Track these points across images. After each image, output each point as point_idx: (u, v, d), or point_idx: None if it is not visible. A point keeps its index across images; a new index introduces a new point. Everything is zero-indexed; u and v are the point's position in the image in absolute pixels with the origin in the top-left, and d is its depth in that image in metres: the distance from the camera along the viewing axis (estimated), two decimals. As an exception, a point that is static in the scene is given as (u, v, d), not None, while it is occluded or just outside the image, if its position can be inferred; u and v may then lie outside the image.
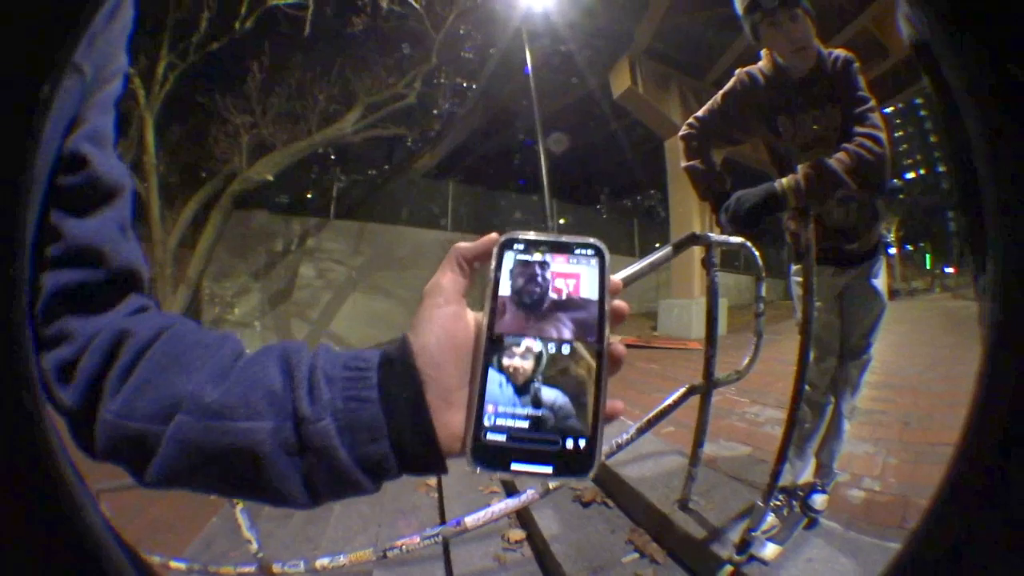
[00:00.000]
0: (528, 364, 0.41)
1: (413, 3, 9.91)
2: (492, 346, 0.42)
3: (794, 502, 2.14)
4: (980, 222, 0.27)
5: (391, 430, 0.40)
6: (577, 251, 0.44)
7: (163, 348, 0.44)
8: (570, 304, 0.43)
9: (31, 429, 0.28)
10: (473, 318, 0.45)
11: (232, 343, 0.47)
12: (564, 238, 0.45)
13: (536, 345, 0.42)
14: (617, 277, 0.46)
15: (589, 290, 0.43)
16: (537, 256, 0.44)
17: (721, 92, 2.07)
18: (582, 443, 0.39)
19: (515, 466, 0.39)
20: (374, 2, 9.86)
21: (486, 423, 0.40)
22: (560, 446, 0.39)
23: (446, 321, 0.43)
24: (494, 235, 0.45)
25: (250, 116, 10.01)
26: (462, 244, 0.46)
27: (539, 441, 0.40)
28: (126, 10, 0.50)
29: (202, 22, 8.83)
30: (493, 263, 0.44)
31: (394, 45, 11.31)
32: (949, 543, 0.25)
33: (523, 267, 0.44)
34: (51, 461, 0.28)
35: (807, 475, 2.23)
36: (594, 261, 0.44)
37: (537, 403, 0.40)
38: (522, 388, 0.41)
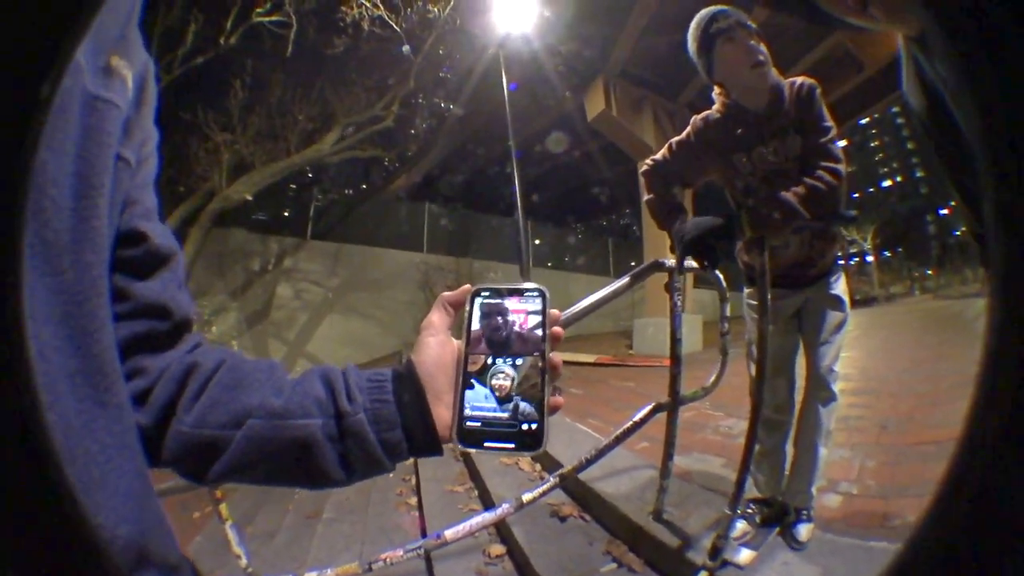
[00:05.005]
0: (494, 374, 0.59)
1: (394, 26, 10.01)
2: (468, 362, 0.60)
3: (764, 509, 2.18)
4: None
5: (403, 421, 0.58)
6: (526, 294, 0.63)
7: (227, 375, 0.60)
8: (522, 331, 0.61)
9: (31, 430, 0.28)
10: (455, 344, 0.63)
11: (279, 369, 0.63)
12: (516, 285, 0.63)
13: (499, 361, 0.59)
14: (568, 311, 0.68)
15: (535, 320, 0.61)
16: (497, 300, 0.63)
17: (676, 140, 2.09)
18: (534, 427, 0.56)
19: (487, 443, 0.56)
20: (356, 24, 9.94)
21: (466, 414, 0.58)
22: (518, 429, 0.56)
23: (436, 346, 0.62)
24: (468, 286, 0.65)
25: (230, 133, 9.96)
26: (446, 293, 0.66)
27: (503, 425, 0.56)
28: (150, 88, 0.59)
29: (188, 35, 8.82)
30: (467, 306, 0.63)
31: (373, 67, 11.39)
32: (949, 544, 0.25)
33: (487, 308, 0.63)
34: (51, 462, 0.29)
35: (771, 488, 2.22)
36: (538, 300, 0.62)
37: (501, 400, 0.58)
38: (490, 390, 0.58)
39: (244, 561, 1.69)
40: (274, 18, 9.44)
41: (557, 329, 0.61)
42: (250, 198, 10.09)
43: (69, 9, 0.26)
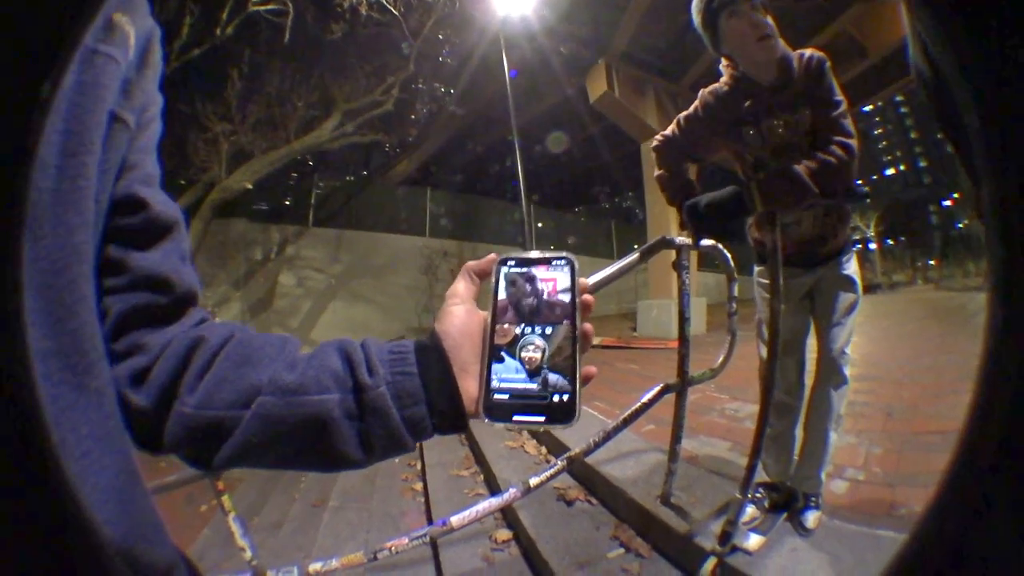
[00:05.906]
0: (524, 345, 0.55)
1: (392, 10, 9.91)
2: (495, 332, 0.56)
3: (773, 494, 2.16)
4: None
5: (427, 395, 0.53)
6: (553, 263, 0.59)
7: (235, 350, 0.54)
8: (550, 300, 0.57)
9: (30, 429, 0.28)
10: (482, 313, 0.59)
11: (292, 343, 0.58)
12: (543, 254, 0.60)
13: (527, 331, 0.56)
14: (589, 281, 0.59)
15: (564, 289, 0.58)
16: (524, 268, 0.59)
17: (684, 115, 2.04)
18: (566, 398, 0.52)
19: (516, 417, 0.52)
20: (353, 9, 9.84)
21: (494, 386, 0.54)
22: (549, 401, 0.52)
23: (462, 315, 0.58)
24: (493, 255, 0.62)
25: (229, 123, 9.92)
26: (471, 262, 0.62)
27: (533, 398, 0.52)
28: (155, 52, 0.55)
29: (184, 28, 8.73)
30: (493, 276, 0.60)
31: (372, 52, 11.30)
32: (949, 543, 0.25)
33: (513, 277, 0.59)
34: (51, 461, 0.28)
35: (779, 473, 2.20)
36: (566, 268, 0.59)
37: (532, 372, 0.54)
38: (518, 360, 0.55)
39: (249, 554, 1.67)
40: (270, 6, 9.35)
41: (588, 297, 0.59)
42: (250, 187, 10.05)
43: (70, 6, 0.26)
